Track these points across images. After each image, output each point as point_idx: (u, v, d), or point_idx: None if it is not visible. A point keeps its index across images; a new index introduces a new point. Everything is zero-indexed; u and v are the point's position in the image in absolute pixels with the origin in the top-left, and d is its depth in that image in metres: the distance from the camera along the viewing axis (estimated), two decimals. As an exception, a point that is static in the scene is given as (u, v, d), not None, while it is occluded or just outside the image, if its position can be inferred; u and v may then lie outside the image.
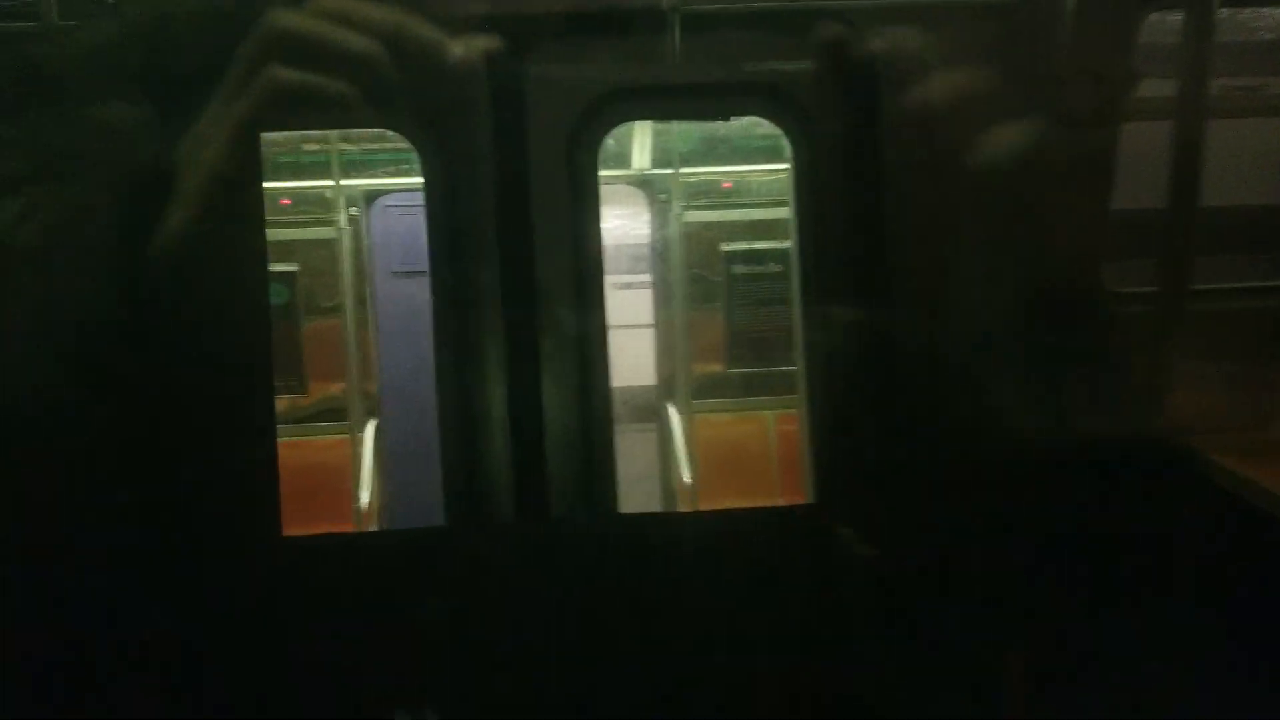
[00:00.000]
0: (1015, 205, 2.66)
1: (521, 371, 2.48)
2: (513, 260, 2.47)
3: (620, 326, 8.46)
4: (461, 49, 2.60)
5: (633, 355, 9.61)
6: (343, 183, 7.25)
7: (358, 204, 7.75)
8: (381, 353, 7.88)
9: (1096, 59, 2.64)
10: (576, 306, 2.57)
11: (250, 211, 2.64)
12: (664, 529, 2.49)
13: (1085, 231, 2.72)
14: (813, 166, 2.77)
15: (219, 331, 2.49)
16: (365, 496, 7.10)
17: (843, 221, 2.73)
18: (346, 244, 7.35)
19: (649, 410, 8.07)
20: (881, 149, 2.54)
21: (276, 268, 7.37)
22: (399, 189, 7.81)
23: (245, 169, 2.58)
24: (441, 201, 2.54)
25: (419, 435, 8.11)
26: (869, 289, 2.66)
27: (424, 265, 7.31)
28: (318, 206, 7.43)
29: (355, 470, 6.42)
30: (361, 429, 7.32)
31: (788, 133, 2.88)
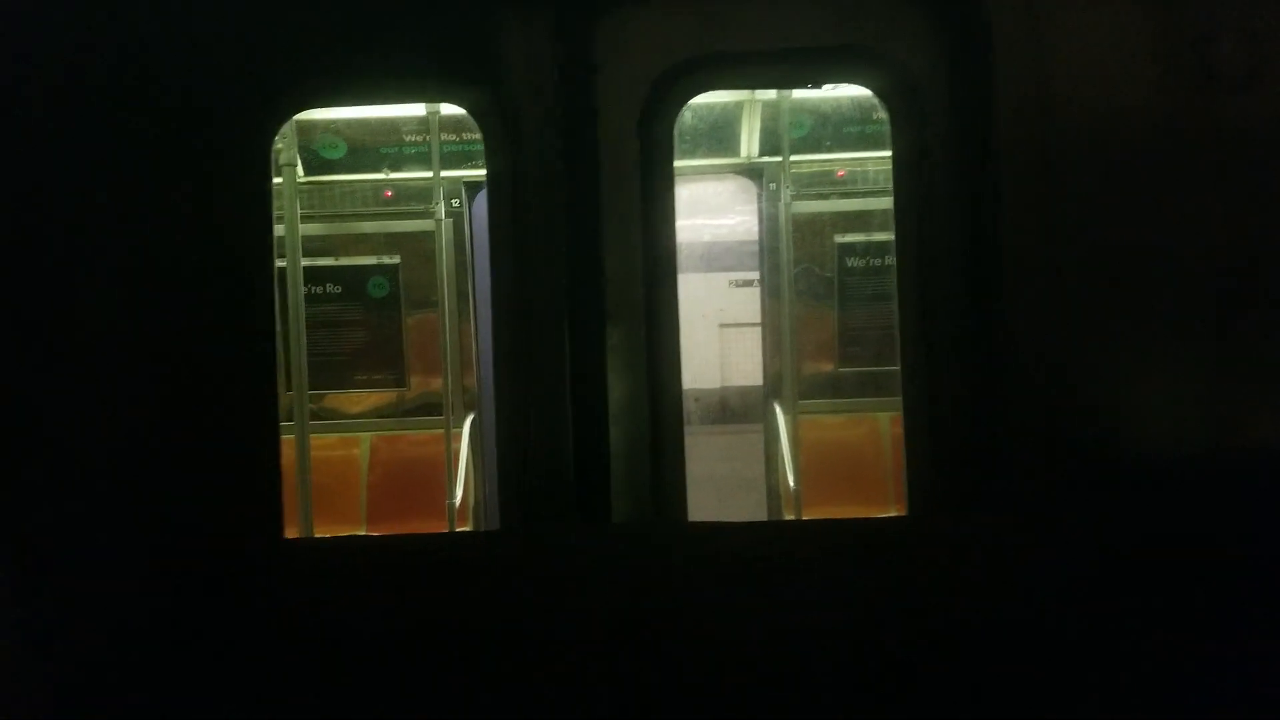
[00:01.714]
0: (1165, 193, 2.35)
1: (581, 374, 2.39)
2: (577, 254, 2.40)
3: (734, 325, 8.16)
4: (524, 18, 2.39)
5: (749, 354, 9.38)
6: (443, 174, 7.09)
7: (459, 196, 7.58)
8: (484, 347, 7.74)
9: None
10: (645, 303, 2.43)
11: (255, 206, 2.43)
12: (721, 540, 2.30)
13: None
14: (917, 145, 2.51)
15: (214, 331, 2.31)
16: (459, 493, 6.93)
17: (949, 208, 2.47)
18: (447, 236, 7.18)
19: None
20: (999, 124, 2.34)
21: (379, 260, 7.27)
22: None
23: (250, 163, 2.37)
24: (504, 188, 2.47)
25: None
26: (978, 286, 2.42)
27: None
28: (420, 199, 7.29)
29: (449, 467, 6.24)
30: (460, 424, 7.15)
31: (886, 105, 2.55)
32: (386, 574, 2.17)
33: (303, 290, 6.33)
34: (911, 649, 2.15)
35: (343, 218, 7.18)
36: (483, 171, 7.15)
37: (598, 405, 2.36)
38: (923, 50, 2.45)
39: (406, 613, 2.13)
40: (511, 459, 2.43)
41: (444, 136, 7.36)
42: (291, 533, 6.05)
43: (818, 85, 4.62)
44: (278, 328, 5.81)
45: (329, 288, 7.04)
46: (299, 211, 6.09)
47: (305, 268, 7.11)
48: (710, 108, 6.71)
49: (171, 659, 2.10)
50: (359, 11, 2.37)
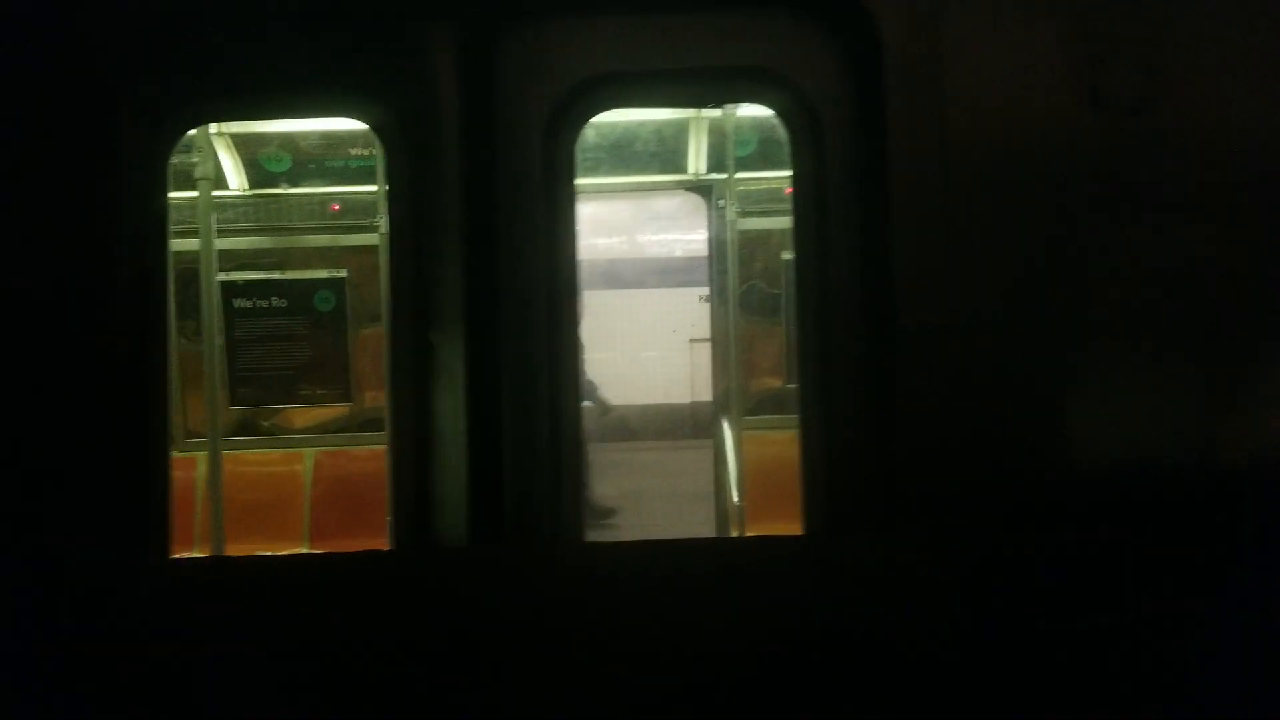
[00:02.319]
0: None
1: (478, 391, 2.33)
2: (474, 270, 2.34)
3: (704, 340, 8.11)
4: (428, 33, 2.33)
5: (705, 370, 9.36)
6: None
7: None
8: None
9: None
10: (545, 318, 2.38)
11: (148, 221, 2.32)
12: (611, 559, 2.28)
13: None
14: (815, 166, 2.48)
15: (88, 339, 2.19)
16: None
17: (845, 229, 2.44)
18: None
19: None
20: (893, 146, 2.32)
21: (326, 274, 7.20)
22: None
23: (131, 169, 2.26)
24: (403, 200, 2.40)
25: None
26: (873, 307, 2.38)
27: None
28: (368, 213, 7.25)
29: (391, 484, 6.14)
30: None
31: (786, 126, 2.54)
32: (265, 594, 2.13)
33: (219, 304, 6.24)
34: (803, 667, 2.14)
35: (290, 231, 7.10)
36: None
37: (494, 422, 2.32)
38: (821, 72, 2.45)
39: (281, 633, 2.09)
40: (404, 476, 2.38)
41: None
42: (203, 551, 5.96)
43: (719, 105, 4.43)
44: (217, 340, 5.89)
45: (274, 301, 6.96)
46: (216, 226, 5.99)
47: (251, 281, 7.07)
48: (662, 124, 6.73)
49: (33, 682, 2.07)
50: (258, 26, 2.33)
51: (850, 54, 2.42)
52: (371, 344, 7.26)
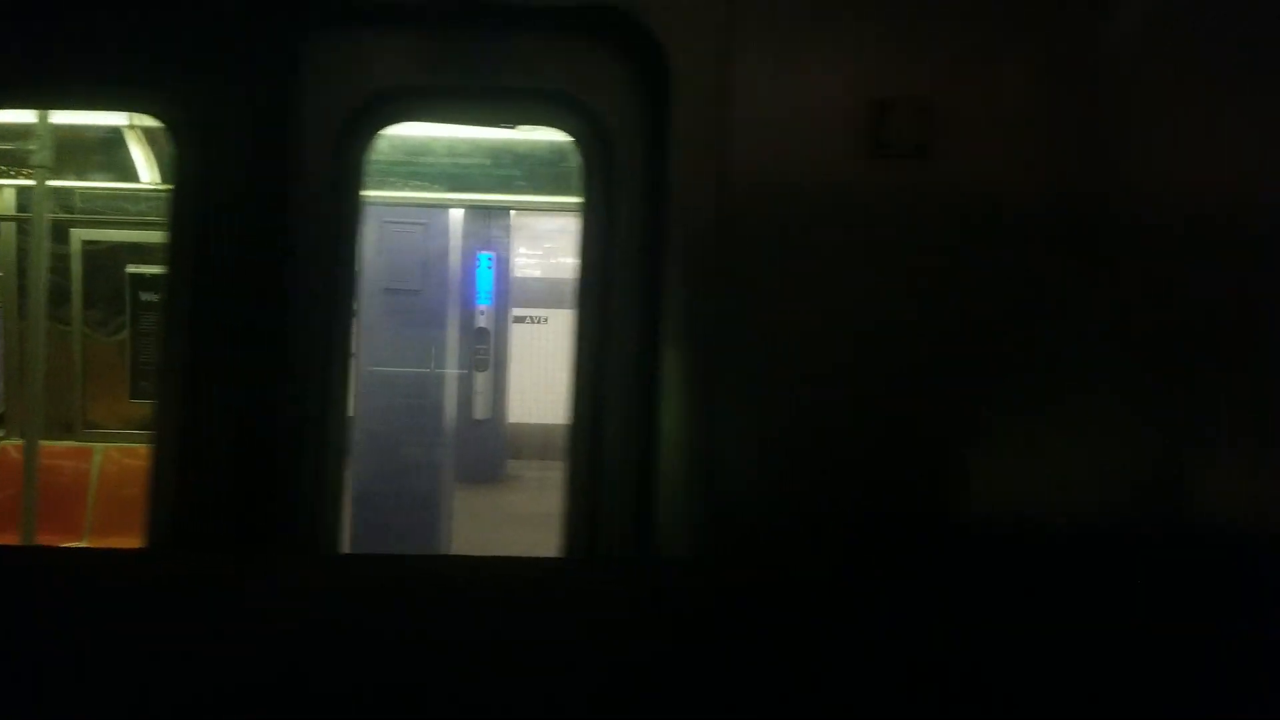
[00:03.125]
0: None
1: (248, 398, 2.39)
2: (257, 277, 2.39)
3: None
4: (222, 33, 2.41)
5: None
6: None
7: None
8: (362, 380, 7.32)
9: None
10: (322, 328, 2.45)
11: None
12: (358, 571, 2.39)
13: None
14: (604, 196, 2.52)
15: None
16: None
17: (632, 262, 2.46)
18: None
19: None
20: (677, 183, 2.37)
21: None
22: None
23: None
24: (190, 204, 2.44)
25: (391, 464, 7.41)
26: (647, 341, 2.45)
27: (418, 284, 8.14)
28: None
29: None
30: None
31: (580, 152, 2.63)
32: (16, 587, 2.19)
33: (44, 297, 6.85)
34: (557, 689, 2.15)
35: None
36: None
37: (264, 430, 2.36)
38: (616, 101, 2.49)
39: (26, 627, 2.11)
40: (166, 476, 2.39)
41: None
42: (82, 540, 6.50)
43: (512, 125, 4.40)
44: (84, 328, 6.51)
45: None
46: (46, 215, 5.92)
47: (160, 275, 7.50)
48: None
49: None
50: (56, 17, 2.42)
51: (642, 83, 2.47)
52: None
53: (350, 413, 2.61)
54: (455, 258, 7.47)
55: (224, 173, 2.39)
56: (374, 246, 7.02)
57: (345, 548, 2.57)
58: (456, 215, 7.26)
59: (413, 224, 7.06)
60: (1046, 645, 2.18)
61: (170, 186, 2.47)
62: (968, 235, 2.35)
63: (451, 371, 7.33)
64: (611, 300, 2.48)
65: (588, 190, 2.55)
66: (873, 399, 2.34)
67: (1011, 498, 2.33)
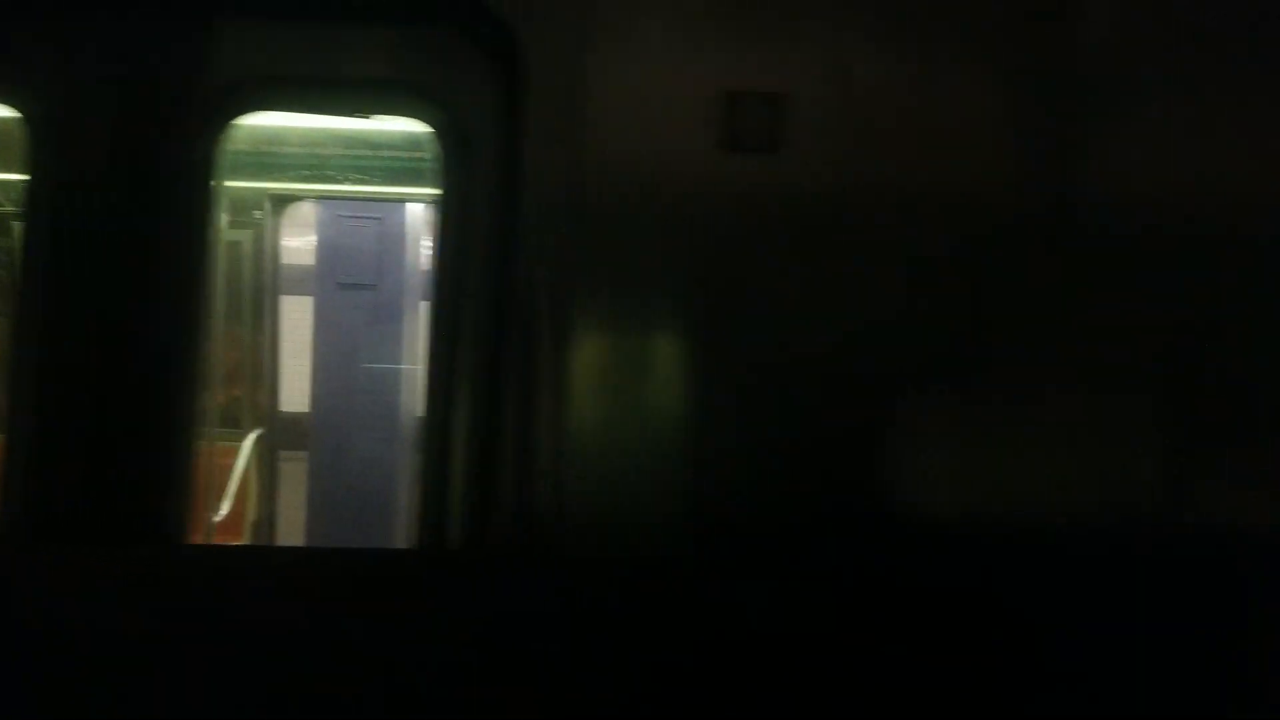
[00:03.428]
0: None
1: (94, 389, 2.40)
2: (110, 265, 2.39)
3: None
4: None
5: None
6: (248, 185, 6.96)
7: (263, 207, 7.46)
8: (319, 369, 7.42)
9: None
10: (172, 314, 2.45)
11: None
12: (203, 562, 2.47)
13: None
14: (460, 187, 2.53)
15: None
16: (224, 509, 7.07)
17: (484, 254, 2.51)
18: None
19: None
20: (532, 175, 2.40)
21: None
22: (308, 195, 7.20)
23: None
24: (45, 194, 2.44)
25: (350, 456, 7.51)
26: (506, 330, 2.48)
27: (372, 278, 8.38)
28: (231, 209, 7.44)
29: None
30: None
31: (439, 143, 2.58)
32: None
33: None
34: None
35: None
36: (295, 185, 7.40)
37: (109, 424, 2.37)
38: (471, 92, 2.51)
39: None
40: (16, 470, 2.41)
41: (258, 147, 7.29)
42: None
43: (367, 116, 4.70)
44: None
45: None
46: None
47: None
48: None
49: None
50: None
51: (497, 74, 2.49)
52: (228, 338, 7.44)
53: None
54: (414, 252, 7.28)
55: (76, 164, 2.39)
56: (330, 242, 7.12)
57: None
58: (415, 209, 7.15)
59: (368, 218, 7.09)
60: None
61: (24, 177, 2.47)
62: (820, 227, 2.37)
63: (412, 367, 7.29)
64: (466, 291, 2.48)
65: (445, 182, 2.54)
66: (721, 390, 2.36)
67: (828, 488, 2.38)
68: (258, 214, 7.25)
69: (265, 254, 7.22)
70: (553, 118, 2.35)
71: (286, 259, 7.26)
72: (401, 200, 7.22)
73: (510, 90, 2.41)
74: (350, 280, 7.36)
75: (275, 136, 6.85)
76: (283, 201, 7.22)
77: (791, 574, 2.34)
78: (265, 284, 7.22)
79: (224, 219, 6.51)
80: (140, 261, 2.39)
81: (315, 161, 6.54)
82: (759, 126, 2.36)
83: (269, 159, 7.09)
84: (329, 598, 2.25)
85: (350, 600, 2.25)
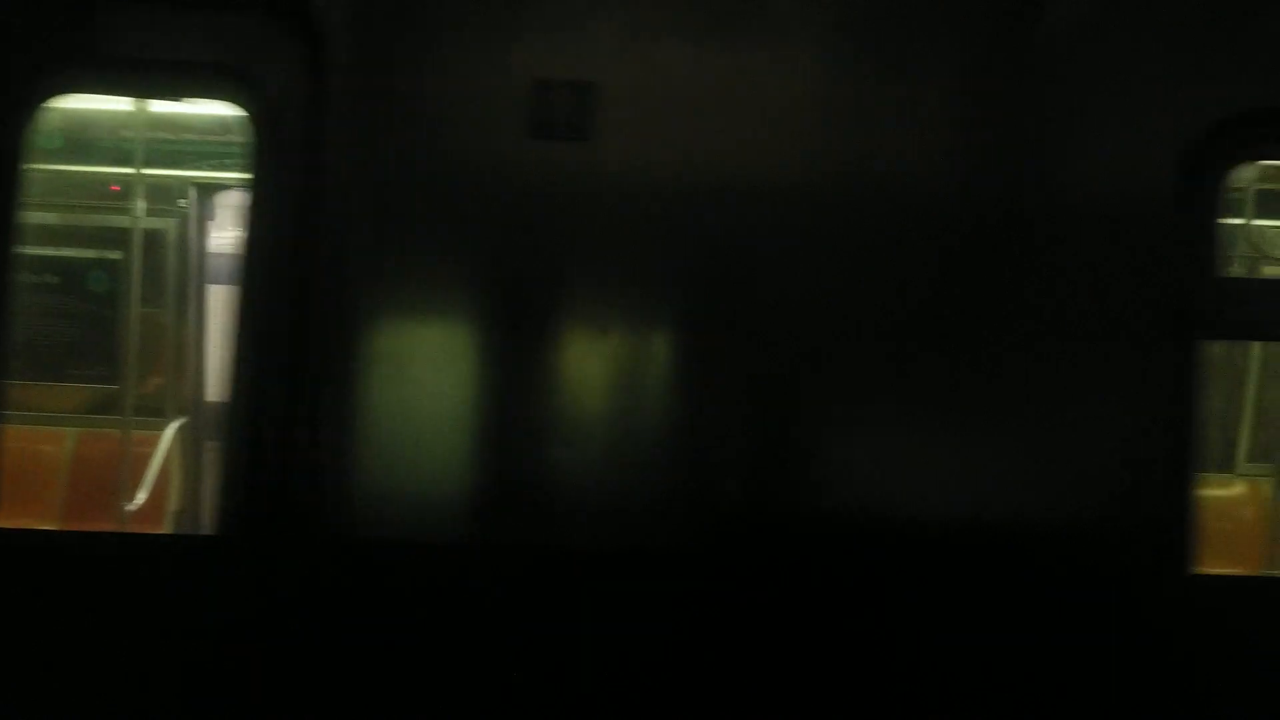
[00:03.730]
0: None
1: None
2: None
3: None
4: None
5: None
6: (147, 172, 6.90)
7: (189, 195, 7.21)
8: (207, 350, 7.22)
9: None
10: None
11: None
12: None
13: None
14: (272, 174, 2.47)
15: None
16: (142, 497, 6.80)
17: (292, 241, 2.44)
18: (174, 235, 7.01)
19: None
20: (332, 163, 2.40)
21: (102, 255, 7.32)
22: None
23: None
24: None
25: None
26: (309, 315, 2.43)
27: None
28: (154, 197, 7.17)
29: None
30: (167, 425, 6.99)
31: (254, 128, 2.52)
32: None
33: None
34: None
35: (69, 208, 7.15)
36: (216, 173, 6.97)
37: None
38: (279, 77, 2.46)
39: None
40: None
41: (181, 135, 7.03)
42: None
43: (178, 99, 4.22)
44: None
45: (47, 278, 7.29)
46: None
47: (28, 256, 7.48)
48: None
49: None
50: None
51: (305, 59, 2.44)
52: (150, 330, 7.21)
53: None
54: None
55: None
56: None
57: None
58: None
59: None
60: None
61: None
62: (631, 216, 2.37)
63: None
64: (272, 278, 2.44)
65: (255, 166, 2.49)
66: (533, 376, 2.38)
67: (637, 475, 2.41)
68: (182, 202, 6.99)
69: (190, 243, 6.97)
70: (360, 104, 2.35)
71: (216, 248, 7.00)
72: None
73: (319, 76, 2.38)
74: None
75: (201, 125, 6.69)
76: (209, 190, 6.98)
77: (563, 557, 2.38)
78: (190, 273, 6.96)
79: (142, 206, 6.39)
80: None
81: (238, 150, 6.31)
82: (568, 113, 2.36)
83: (193, 147, 6.93)
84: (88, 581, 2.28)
85: (107, 585, 2.27)
